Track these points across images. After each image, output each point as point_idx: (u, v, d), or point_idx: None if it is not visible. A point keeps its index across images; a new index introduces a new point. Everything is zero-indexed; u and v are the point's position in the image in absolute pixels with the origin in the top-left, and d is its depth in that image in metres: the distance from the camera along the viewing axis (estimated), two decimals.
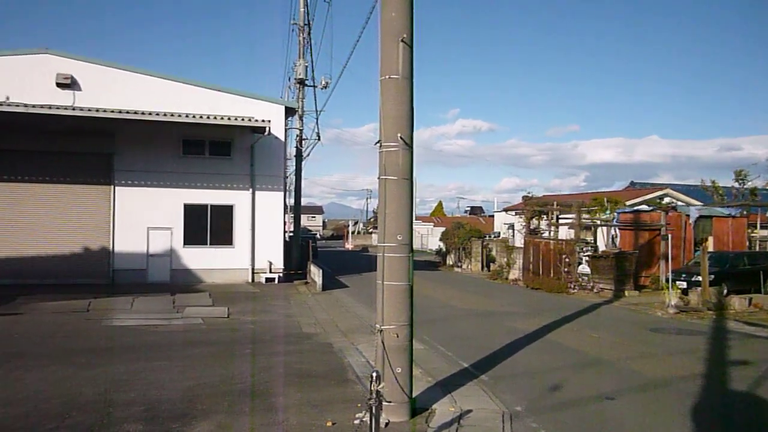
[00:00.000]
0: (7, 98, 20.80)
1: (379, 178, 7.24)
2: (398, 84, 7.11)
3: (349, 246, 70.85)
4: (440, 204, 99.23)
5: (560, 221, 29.01)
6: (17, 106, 19.97)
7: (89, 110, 20.60)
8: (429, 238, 61.56)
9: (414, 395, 7.48)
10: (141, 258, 23.06)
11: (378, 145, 7.22)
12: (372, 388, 5.62)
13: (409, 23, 7.16)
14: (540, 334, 13.56)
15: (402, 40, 7.04)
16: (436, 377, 9.38)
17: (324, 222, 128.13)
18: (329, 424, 6.99)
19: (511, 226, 37.08)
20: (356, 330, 13.94)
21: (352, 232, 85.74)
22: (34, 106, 20.11)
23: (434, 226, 68.23)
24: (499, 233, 42.79)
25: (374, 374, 5.74)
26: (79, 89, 22.39)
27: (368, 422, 5.81)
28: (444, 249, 39.57)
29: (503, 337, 13.06)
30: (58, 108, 20.52)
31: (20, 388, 8.34)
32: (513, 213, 38.90)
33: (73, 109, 20.83)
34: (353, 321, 15.47)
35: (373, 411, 5.63)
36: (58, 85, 22.05)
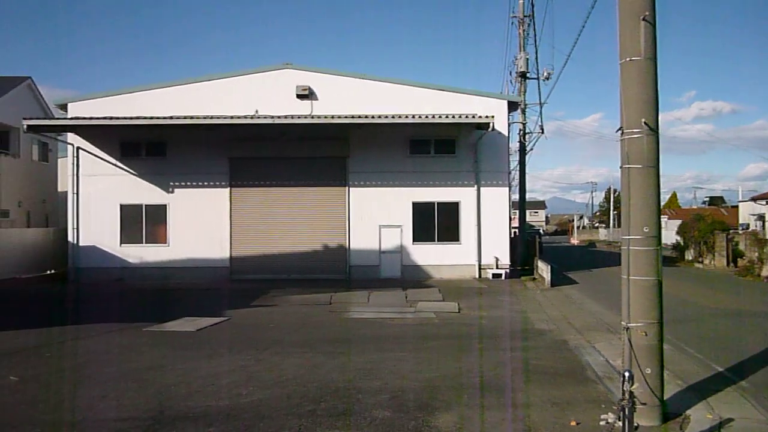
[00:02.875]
0: (257, 111, 23.13)
1: (621, 167, 6.85)
2: (641, 66, 6.65)
3: (574, 241, 68.48)
4: (674, 195, 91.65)
5: None
6: (265, 118, 22.17)
7: (325, 117, 22.24)
8: (663, 232, 57.28)
9: (664, 399, 6.97)
10: (374, 255, 24.32)
11: (619, 132, 6.82)
12: (624, 389, 5.32)
13: (651, 0, 6.67)
14: None
15: (644, 19, 6.58)
16: (687, 381, 8.65)
17: (547, 217, 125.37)
18: (573, 423, 6.76)
19: (761, 217, 33.19)
20: (591, 328, 13.38)
21: (577, 227, 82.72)
22: (278, 117, 22.16)
23: (668, 218, 63.28)
24: (748, 225, 38.56)
25: (626, 374, 5.44)
26: (316, 98, 24.22)
27: (616, 424, 5.52)
28: (682, 243, 36.58)
29: (761, 340, 11.71)
30: (298, 117, 22.44)
31: (281, 372, 9.18)
32: (764, 202, 34.84)
33: (312, 117, 22.64)
34: (587, 318, 14.87)
35: (626, 413, 5.33)
36: (298, 96, 24.04)
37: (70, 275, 24.30)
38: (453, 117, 22.40)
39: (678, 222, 42.88)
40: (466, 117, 22.43)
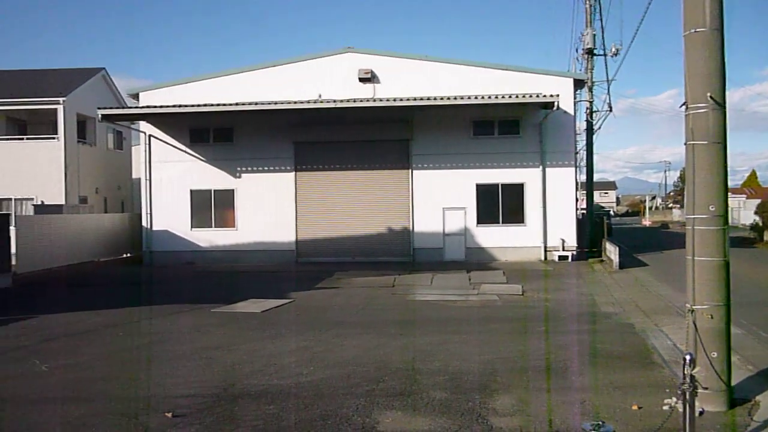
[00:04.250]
0: (320, 96, 23.35)
1: (685, 143, 6.60)
2: (706, 37, 6.37)
3: (646, 222, 66.41)
4: (753, 173, 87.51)
5: None
6: (328, 102, 22.36)
7: (387, 100, 22.25)
8: (741, 212, 54.86)
9: (732, 384, 6.73)
10: (438, 237, 24.29)
11: (683, 107, 6.57)
12: (685, 372, 5.17)
13: None
14: None
15: None
16: (759, 366, 8.32)
17: (617, 198, 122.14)
18: (635, 407, 6.62)
19: None
20: (660, 311, 13.00)
21: (649, 208, 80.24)
22: (341, 101, 22.32)
23: (747, 198, 60.62)
24: None
25: (687, 357, 5.27)
26: (378, 82, 24.24)
27: (680, 409, 5.37)
28: (761, 224, 35.00)
29: None
30: (361, 101, 22.54)
31: (342, 353, 9.34)
32: None
33: (374, 100, 22.70)
34: (656, 301, 14.46)
35: (687, 397, 5.18)
36: (360, 79, 24.11)
37: (144, 258, 25.28)
38: (517, 96, 22.04)
39: (757, 201, 41.03)
40: (530, 96, 22.03)
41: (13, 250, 18.78)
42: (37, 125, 29.60)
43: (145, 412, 6.61)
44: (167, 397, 7.14)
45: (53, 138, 27.33)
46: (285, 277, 20.26)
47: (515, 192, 24.12)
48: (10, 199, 26.51)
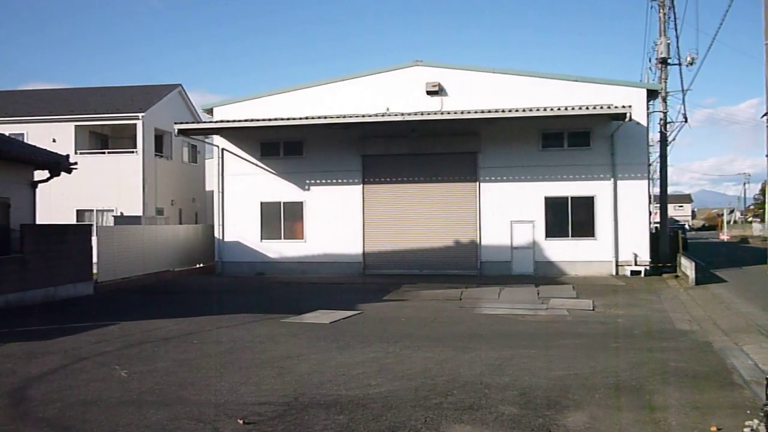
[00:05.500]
0: (387, 109, 23.57)
1: (767, 155, 6.37)
2: None
3: (723, 237, 63.87)
4: None
5: None
6: (395, 115, 22.55)
7: (455, 113, 22.27)
8: None
9: None
10: (505, 250, 24.04)
11: (765, 117, 6.35)
12: (767, 393, 4.97)
13: None
14: None
15: None
16: None
17: (693, 211, 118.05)
18: (714, 429, 6.38)
19: None
20: (740, 329, 12.48)
21: (727, 222, 77.16)
22: (409, 114, 22.46)
23: None
24: None
25: None
26: (446, 95, 24.29)
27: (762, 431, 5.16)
28: None
29: None
30: (428, 113, 22.62)
31: (410, 365, 9.36)
32: None
33: (441, 113, 22.74)
34: (736, 319, 13.88)
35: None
36: (428, 92, 24.22)
37: (216, 269, 26.00)
38: (587, 108, 21.67)
39: None
40: (601, 107, 21.63)
41: (94, 259, 19.66)
42: (118, 139, 31.01)
43: (219, 418, 6.79)
44: (240, 404, 7.31)
45: (132, 152, 28.53)
46: (352, 288, 20.46)
47: (585, 205, 23.66)
48: (92, 210, 27.77)
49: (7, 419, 6.90)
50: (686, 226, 66.71)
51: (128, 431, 6.42)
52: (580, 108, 21.70)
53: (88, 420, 6.78)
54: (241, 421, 6.62)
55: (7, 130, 25.09)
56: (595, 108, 21.64)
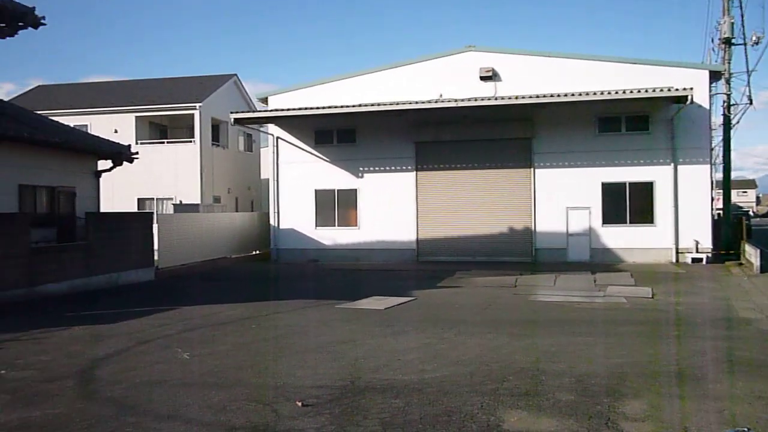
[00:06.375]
0: (440, 95, 23.45)
1: None
2: None
3: None
4: None
5: None
6: (448, 101, 22.42)
7: (509, 98, 22.01)
8: None
9: None
10: (561, 237, 23.72)
11: None
12: None
13: None
14: None
15: None
16: None
17: (758, 197, 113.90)
18: None
19: None
20: None
21: None
22: (462, 99, 22.30)
23: None
24: None
25: None
26: (500, 80, 24.03)
27: None
28: None
29: None
30: (482, 99, 22.42)
31: (465, 351, 9.36)
32: None
33: (495, 99, 22.51)
34: None
35: None
36: (481, 78, 24.00)
37: (272, 255, 26.45)
38: (646, 91, 21.10)
39: None
40: (661, 90, 21.03)
41: (155, 246, 20.24)
42: (176, 129, 31.77)
43: (278, 400, 6.94)
44: (297, 387, 7.45)
45: (190, 141, 29.19)
46: (406, 275, 20.52)
47: (644, 191, 23.11)
48: (153, 198, 28.57)
49: (77, 398, 7.21)
50: (750, 213, 64.40)
51: (191, 411, 6.62)
52: (638, 91, 21.15)
53: (152, 400, 7.03)
54: (299, 403, 6.75)
55: (73, 121, 26.04)
56: (654, 91, 21.06)
